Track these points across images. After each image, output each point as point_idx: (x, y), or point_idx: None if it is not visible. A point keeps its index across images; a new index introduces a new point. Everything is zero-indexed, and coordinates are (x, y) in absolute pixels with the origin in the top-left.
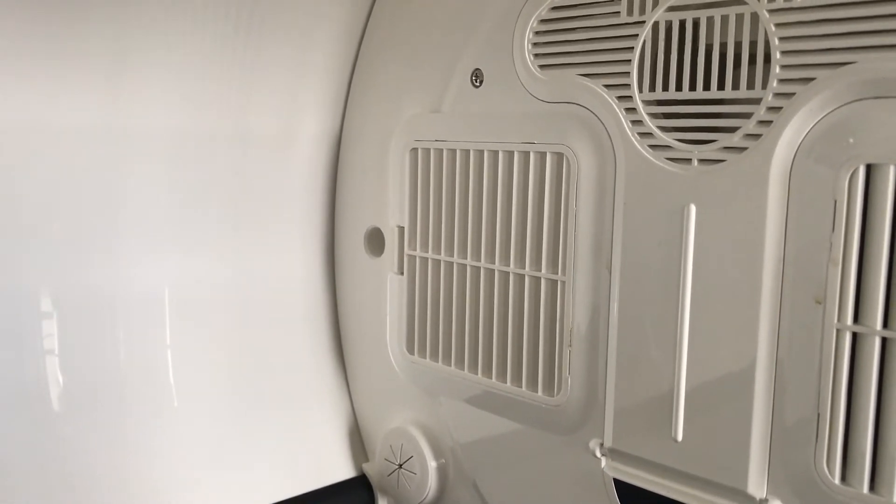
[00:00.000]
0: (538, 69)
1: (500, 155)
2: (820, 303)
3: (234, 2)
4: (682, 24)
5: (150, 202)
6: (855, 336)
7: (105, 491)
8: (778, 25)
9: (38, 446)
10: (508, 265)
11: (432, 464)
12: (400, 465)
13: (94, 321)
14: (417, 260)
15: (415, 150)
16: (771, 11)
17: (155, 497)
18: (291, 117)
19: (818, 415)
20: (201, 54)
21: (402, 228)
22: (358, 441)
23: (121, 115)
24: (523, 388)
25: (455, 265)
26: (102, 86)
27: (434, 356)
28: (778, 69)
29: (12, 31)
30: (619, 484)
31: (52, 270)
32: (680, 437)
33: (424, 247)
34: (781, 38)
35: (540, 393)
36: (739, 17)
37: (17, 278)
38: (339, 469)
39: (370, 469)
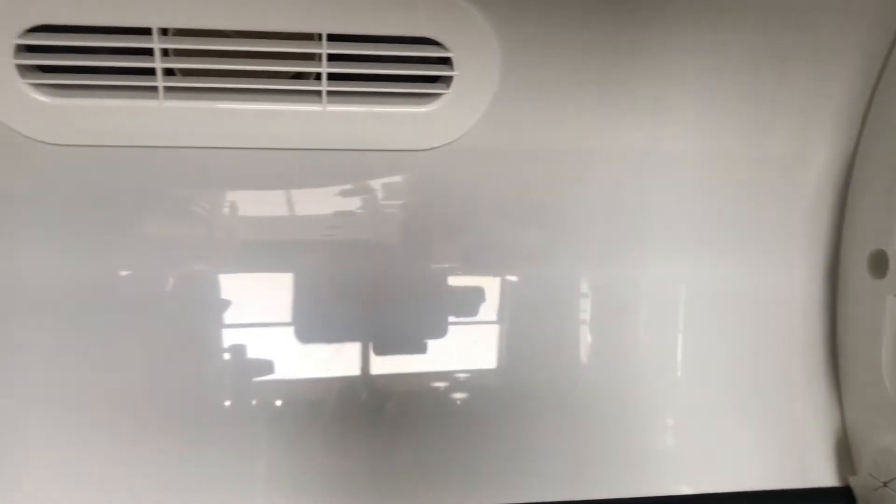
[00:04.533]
0: None
1: None
2: None
3: (760, 33)
4: None
5: (673, 216)
6: None
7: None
8: None
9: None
10: None
11: None
12: (884, 483)
13: (617, 311)
14: None
15: None
16: None
17: (653, 465)
18: (806, 140)
19: None
20: (729, 83)
21: None
22: (844, 453)
23: (661, 142)
24: None
25: None
26: (647, 117)
27: None
28: None
29: None
30: None
31: (589, 266)
32: None
33: None
34: None
35: None
36: None
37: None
38: (821, 475)
39: (855, 482)
